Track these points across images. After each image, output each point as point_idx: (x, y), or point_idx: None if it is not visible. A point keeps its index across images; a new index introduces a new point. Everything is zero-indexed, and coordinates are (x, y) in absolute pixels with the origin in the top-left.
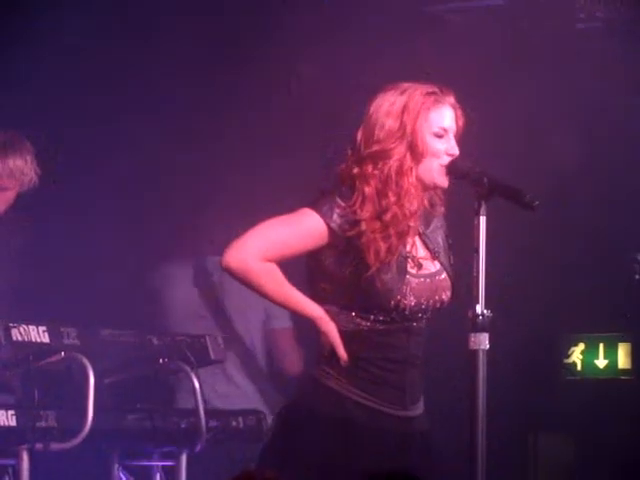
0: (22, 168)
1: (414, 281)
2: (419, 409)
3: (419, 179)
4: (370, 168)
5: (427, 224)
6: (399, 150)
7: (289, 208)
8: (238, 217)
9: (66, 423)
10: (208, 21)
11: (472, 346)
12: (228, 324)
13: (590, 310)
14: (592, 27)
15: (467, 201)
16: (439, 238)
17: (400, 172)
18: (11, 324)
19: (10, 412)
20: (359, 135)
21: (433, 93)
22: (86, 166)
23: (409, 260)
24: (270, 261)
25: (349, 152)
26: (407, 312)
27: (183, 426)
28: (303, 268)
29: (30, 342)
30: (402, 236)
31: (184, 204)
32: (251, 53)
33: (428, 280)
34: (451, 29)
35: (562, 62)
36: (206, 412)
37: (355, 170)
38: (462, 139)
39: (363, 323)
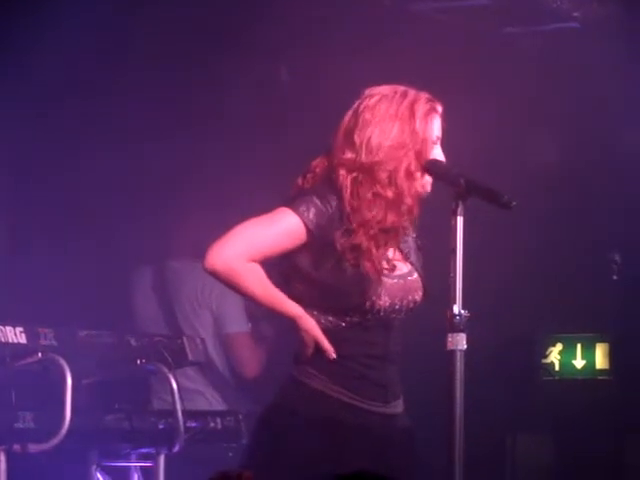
0: None
1: (388, 282)
2: (400, 406)
3: (421, 186)
4: (379, 173)
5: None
6: (408, 156)
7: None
8: (210, 219)
9: (44, 424)
10: (192, 12)
11: (449, 346)
12: (179, 329)
13: (568, 310)
14: (569, 27)
15: (445, 202)
16: (409, 239)
17: (408, 177)
18: None
19: None
20: (356, 138)
21: (431, 100)
22: (64, 167)
23: (384, 262)
24: (250, 261)
25: (346, 154)
26: (382, 313)
27: (161, 427)
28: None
29: (7, 343)
30: (387, 243)
31: (153, 207)
32: (237, 43)
33: (401, 281)
34: (437, 28)
35: (541, 61)
36: (184, 413)
37: (359, 175)
38: (443, 139)
39: (339, 322)
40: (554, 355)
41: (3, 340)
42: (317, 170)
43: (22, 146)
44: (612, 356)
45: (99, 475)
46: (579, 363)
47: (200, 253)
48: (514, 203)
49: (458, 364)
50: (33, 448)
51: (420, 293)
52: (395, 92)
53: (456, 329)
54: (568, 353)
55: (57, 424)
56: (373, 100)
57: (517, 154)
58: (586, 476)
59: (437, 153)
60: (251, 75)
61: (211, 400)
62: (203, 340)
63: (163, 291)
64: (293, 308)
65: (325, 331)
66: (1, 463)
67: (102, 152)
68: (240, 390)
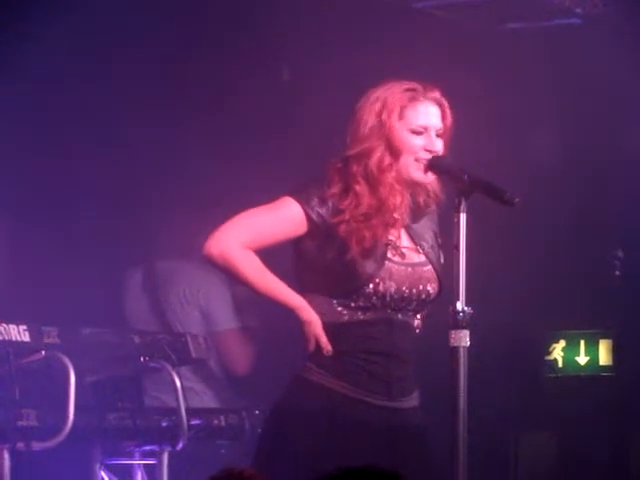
0: None
1: (394, 267)
2: (410, 402)
3: (400, 174)
4: (354, 166)
5: (415, 219)
6: (379, 148)
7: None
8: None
9: (47, 422)
10: (193, 10)
11: (453, 343)
12: (169, 329)
13: (571, 307)
14: (571, 23)
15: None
16: (427, 235)
17: (380, 169)
18: None
19: None
20: (348, 132)
21: (411, 90)
22: (65, 170)
23: (390, 248)
24: (251, 249)
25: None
26: (388, 298)
27: (164, 424)
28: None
29: (10, 341)
30: (387, 227)
31: (143, 207)
32: (239, 40)
33: (410, 269)
34: (437, 25)
35: (543, 57)
36: (187, 410)
37: (340, 166)
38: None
39: (344, 312)
40: (557, 352)
41: (7, 338)
42: (329, 164)
43: (21, 146)
44: (615, 352)
45: (102, 473)
46: (582, 360)
47: (187, 253)
48: (517, 200)
49: (461, 361)
50: (37, 446)
51: (434, 285)
52: (381, 87)
53: (459, 326)
54: (571, 350)
55: (61, 422)
56: (365, 96)
57: (518, 151)
58: (589, 472)
59: (419, 141)
60: (252, 74)
61: (203, 397)
62: (206, 338)
63: (152, 291)
64: (294, 299)
65: (327, 326)
66: (5, 461)
67: (95, 151)
68: (232, 387)
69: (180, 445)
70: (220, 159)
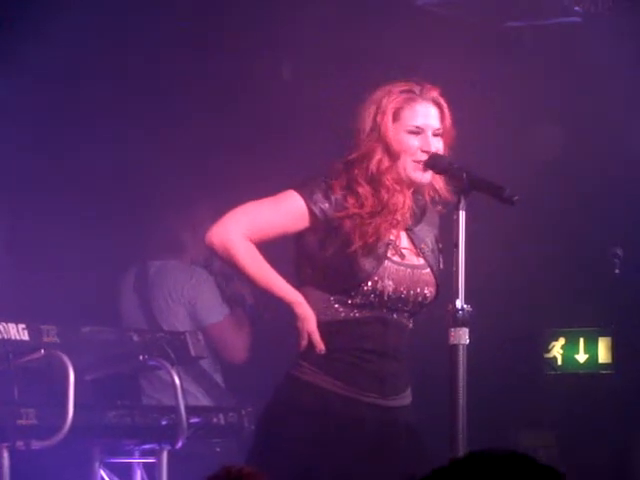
0: None
1: (393, 267)
2: (402, 400)
3: (399, 176)
4: (356, 170)
5: (417, 222)
6: (377, 151)
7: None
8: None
9: (47, 421)
10: (193, 11)
11: (452, 341)
12: (158, 327)
13: (570, 304)
14: (571, 21)
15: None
16: (427, 239)
17: (380, 171)
18: None
19: None
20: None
21: (407, 91)
22: (62, 168)
23: (390, 247)
24: (253, 240)
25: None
26: (385, 297)
27: (164, 423)
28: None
29: (10, 340)
30: (389, 227)
31: (148, 206)
32: (240, 39)
33: (409, 270)
34: (439, 23)
35: (543, 56)
36: (187, 409)
37: (342, 169)
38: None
39: (340, 309)
40: (557, 349)
41: (6, 337)
42: (335, 164)
43: (21, 146)
44: (615, 350)
45: (102, 471)
46: (582, 357)
47: (177, 252)
48: (516, 198)
49: (460, 358)
50: (36, 445)
51: (432, 289)
52: (380, 89)
53: (459, 323)
54: (571, 347)
55: (60, 420)
56: (367, 99)
57: (519, 149)
58: (589, 470)
59: (416, 142)
60: (252, 73)
61: (197, 395)
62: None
63: (142, 291)
64: (290, 294)
65: (322, 323)
66: (4, 460)
67: (94, 151)
68: (222, 385)
69: (179, 443)
70: (217, 159)
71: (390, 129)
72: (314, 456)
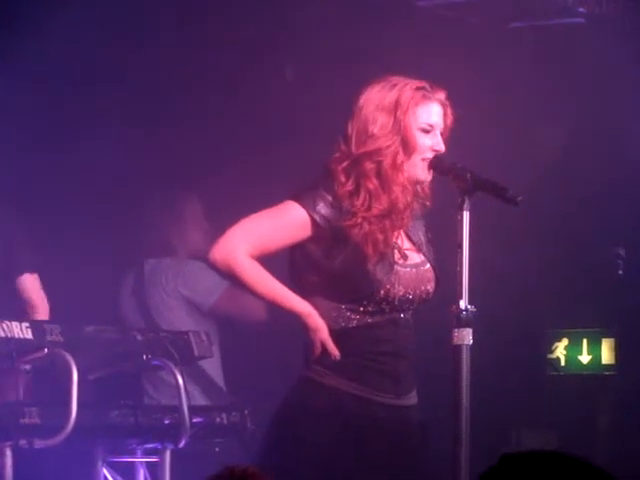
0: None
1: (402, 271)
2: (413, 399)
3: (408, 174)
4: (367, 164)
5: (411, 218)
6: (393, 146)
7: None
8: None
9: (50, 420)
10: (194, 10)
11: (455, 341)
12: (155, 325)
13: (574, 306)
14: (575, 22)
15: (451, 197)
16: (420, 232)
17: (394, 167)
18: None
19: None
20: (349, 129)
21: (422, 88)
22: (62, 167)
23: (395, 251)
24: (256, 255)
25: (341, 145)
26: (396, 302)
27: (167, 422)
28: (284, 262)
29: (13, 338)
30: (396, 228)
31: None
32: (242, 40)
33: (414, 270)
34: (441, 24)
35: (546, 56)
36: (190, 408)
37: (350, 165)
38: (449, 135)
39: (352, 317)
40: (560, 350)
41: (9, 335)
42: (331, 162)
43: (21, 146)
44: (618, 351)
45: (105, 470)
46: (585, 358)
47: (171, 250)
48: (520, 198)
49: (464, 359)
50: (39, 444)
51: (433, 284)
52: (388, 83)
53: (462, 324)
54: (574, 348)
55: (63, 420)
56: (367, 92)
57: (521, 150)
58: None
59: (427, 141)
60: (254, 74)
61: (194, 394)
62: (208, 335)
63: (140, 289)
64: (300, 305)
65: (335, 332)
66: (7, 459)
67: (96, 151)
68: (220, 384)
69: (182, 443)
70: (218, 158)
71: (411, 125)
72: (331, 457)
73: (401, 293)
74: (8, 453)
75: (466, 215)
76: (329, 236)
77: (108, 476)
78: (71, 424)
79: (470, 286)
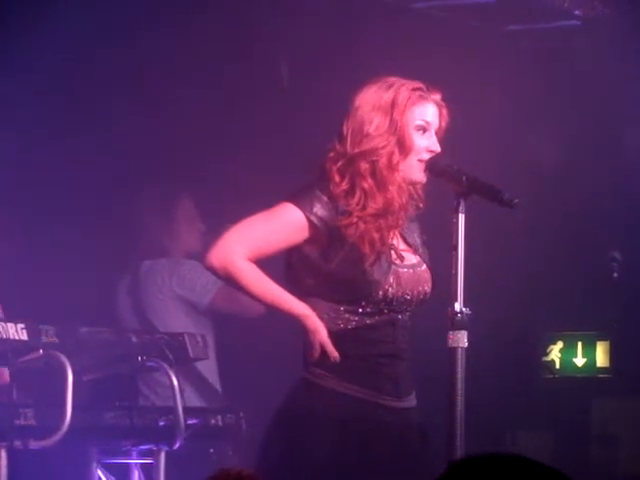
0: None
1: (399, 271)
2: (413, 401)
3: (404, 174)
4: (362, 164)
5: (405, 219)
6: (389, 146)
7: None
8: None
9: (45, 421)
10: (193, 9)
11: (451, 344)
12: (153, 327)
13: (569, 308)
14: (571, 25)
15: (447, 199)
16: (415, 234)
17: (389, 167)
18: None
19: None
20: (345, 129)
21: (419, 89)
22: (62, 168)
23: (392, 252)
24: (253, 258)
25: (337, 145)
26: (394, 303)
27: (161, 424)
28: (280, 264)
29: (8, 339)
30: (392, 228)
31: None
32: (238, 39)
33: (411, 271)
34: (439, 26)
35: (543, 59)
36: (185, 410)
37: (345, 164)
38: (445, 137)
39: (351, 318)
40: (555, 353)
41: (4, 337)
42: (325, 162)
43: (22, 148)
44: (613, 354)
45: (99, 472)
46: (580, 361)
47: (165, 250)
48: (516, 201)
49: (459, 361)
50: (34, 445)
51: (429, 285)
52: (384, 83)
53: (457, 327)
54: (569, 351)
55: (58, 421)
56: (363, 92)
57: (517, 152)
58: (586, 474)
59: (423, 141)
60: (251, 72)
61: (189, 396)
62: (204, 337)
63: (136, 290)
64: (298, 307)
65: (334, 334)
66: (2, 460)
67: (97, 153)
68: (214, 386)
69: (177, 444)
70: (213, 160)
71: (407, 125)
72: (330, 461)
73: (399, 294)
74: (3, 454)
75: (461, 218)
76: (326, 237)
77: (103, 478)
78: (66, 425)
79: (465, 289)
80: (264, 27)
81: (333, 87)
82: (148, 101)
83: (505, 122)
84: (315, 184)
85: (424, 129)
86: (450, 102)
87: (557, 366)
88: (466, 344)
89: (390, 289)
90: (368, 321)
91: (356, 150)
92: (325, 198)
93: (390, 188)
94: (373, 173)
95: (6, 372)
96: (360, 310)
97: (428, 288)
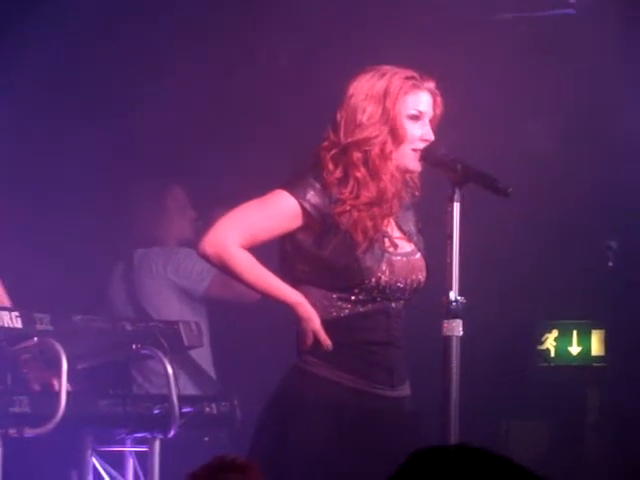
0: None
1: (392, 259)
2: (406, 390)
3: (397, 163)
4: (355, 153)
5: (400, 207)
6: (381, 135)
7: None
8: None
9: (39, 409)
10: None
11: (445, 332)
12: (145, 314)
13: (564, 297)
14: (565, 13)
15: (441, 187)
16: (410, 222)
17: (382, 156)
18: None
19: None
20: (339, 117)
21: (412, 78)
22: (50, 157)
23: (386, 239)
24: (247, 245)
25: (330, 134)
26: (387, 290)
27: (156, 412)
28: (273, 252)
29: (3, 327)
30: (385, 216)
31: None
32: (237, 26)
33: (405, 259)
34: (433, 13)
35: (537, 48)
36: (179, 398)
37: (338, 153)
38: (440, 125)
39: (344, 306)
40: (550, 341)
41: None
42: (319, 150)
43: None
44: (608, 343)
45: (94, 460)
46: (575, 350)
47: (158, 239)
48: (510, 190)
49: (454, 350)
50: (29, 432)
51: (424, 273)
52: (377, 72)
53: (452, 315)
54: (564, 339)
55: (53, 409)
56: (356, 81)
57: (512, 141)
58: (580, 462)
59: (417, 130)
60: (250, 59)
61: (184, 384)
62: (199, 325)
63: (129, 279)
64: (291, 295)
65: (327, 322)
66: None
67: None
68: (207, 374)
69: (172, 432)
70: (215, 146)
71: (400, 114)
72: (323, 449)
73: (392, 282)
74: None
75: (456, 206)
76: (319, 224)
77: (97, 465)
78: (60, 413)
79: (460, 277)
80: (262, 15)
81: (329, 75)
82: (138, 91)
83: (500, 110)
84: (309, 172)
85: (417, 118)
86: (445, 91)
87: (552, 354)
88: (461, 333)
89: (383, 277)
90: (361, 309)
91: (349, 139)
92: (318, 186)
93: (383, 177)
94: (366, 162)
95: None
96: (353, 298)
97: (422, 277)
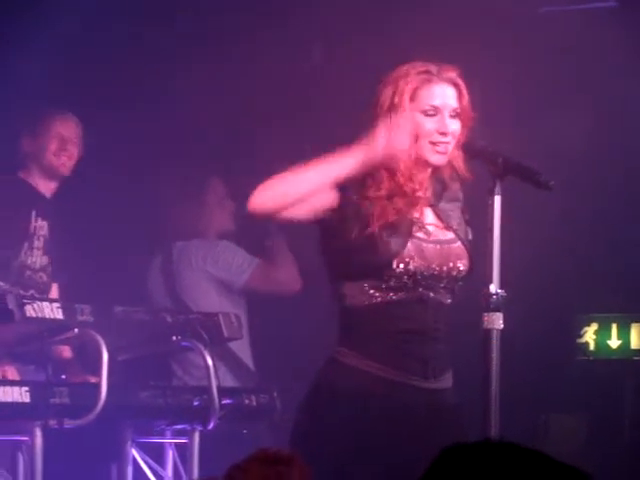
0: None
1: (422, 245)
2: (445, 382)
3: (417, 158)
4: None
5: (440, 197)
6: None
7: None
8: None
9: (79, 400)
10: None
11: (485, 325)
12: (184, 307)
13: (603, 290)
14: (608, 6)
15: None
16: (454, 213)
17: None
18: (25, 300)
19: (24, 388)
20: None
21: (425, 72)
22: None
23: (415, 225)
24: (287, 207)
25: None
26: (419, 276)
27: (196, 404)
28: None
29: (44, 318)
30: (410, 205)
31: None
32: (270, 22)
33: (438, 246)
34: (473, 8)
35: (579, 41)
36: (219, 390)
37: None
38: (475, 118)
39: (376, 294)
40: (589, 335)
41: (40, 316)
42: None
43: None
44: None
45: (134, 451)
46: (614, 343)
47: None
48: (552, 183)
49: (494, 343)
50: (69, 424)
51: (465, 262)
52: (397, 70)
53: (492, 308)
54: (603, 333)
55: (93, 400)
56: (381, 84)
57: (554, 135)
58: (619, 457)
59: (432, 125)
60: (283, 55)
61: (223, 376)
62: (238, 317)
63: (168, 271)
64: (348, 156)
65: (360, 309)
66: (37, 438)
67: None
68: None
69: (211, 424)
70: (238, 141)
71: (407, 110)
72: (360, 440)
73: (423, 267)
74: (38, 432)
75: (497, 199)
76: (348, 208)
77: (137, 457)
78: (100, 404)
79: (501, 270)
80: (298, 7)
81: (366, 66)
82: (175, 83)
83: (539, 104)
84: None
85: (432, 112)
86: (481, 85)
87: (591, 348)
88: (501, 326)
89: (411, 261)
90: (394, 297)
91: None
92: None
93: (398, 174)
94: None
95: (67, 349)
96: (384, 285)
97: (462, 265)
